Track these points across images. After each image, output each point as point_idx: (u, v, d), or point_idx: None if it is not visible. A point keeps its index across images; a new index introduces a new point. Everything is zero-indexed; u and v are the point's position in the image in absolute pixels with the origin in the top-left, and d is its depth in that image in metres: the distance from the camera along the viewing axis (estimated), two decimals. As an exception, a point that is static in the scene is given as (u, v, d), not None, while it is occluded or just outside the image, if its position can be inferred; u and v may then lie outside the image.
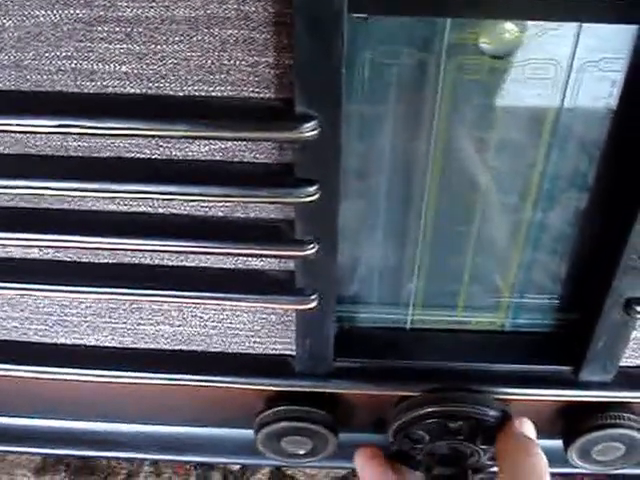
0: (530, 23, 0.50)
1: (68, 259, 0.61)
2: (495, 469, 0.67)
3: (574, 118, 0.54)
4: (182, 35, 0.47)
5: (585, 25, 0.49)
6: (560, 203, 0.59)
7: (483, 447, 0.66)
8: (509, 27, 0.50)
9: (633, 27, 0.49)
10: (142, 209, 0.57)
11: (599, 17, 0.48)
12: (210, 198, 0.54)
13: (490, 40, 0.50)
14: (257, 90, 0.50)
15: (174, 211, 0.57)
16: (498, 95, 0.53)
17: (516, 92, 0.53)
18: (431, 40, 0.50)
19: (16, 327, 0.67)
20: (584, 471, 0.71)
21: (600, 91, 0.52)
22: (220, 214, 0.57)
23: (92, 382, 0.67)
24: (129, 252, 0.60)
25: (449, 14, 0.49)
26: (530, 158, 0.56)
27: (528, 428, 0.64)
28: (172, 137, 0.52)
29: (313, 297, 0.59)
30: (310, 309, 0.60)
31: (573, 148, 0.55)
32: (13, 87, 0.51)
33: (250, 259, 0.60)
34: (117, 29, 0.47)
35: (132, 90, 0.50)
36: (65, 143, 0.54)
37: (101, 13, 0.47)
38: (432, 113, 0.54)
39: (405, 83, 0.52)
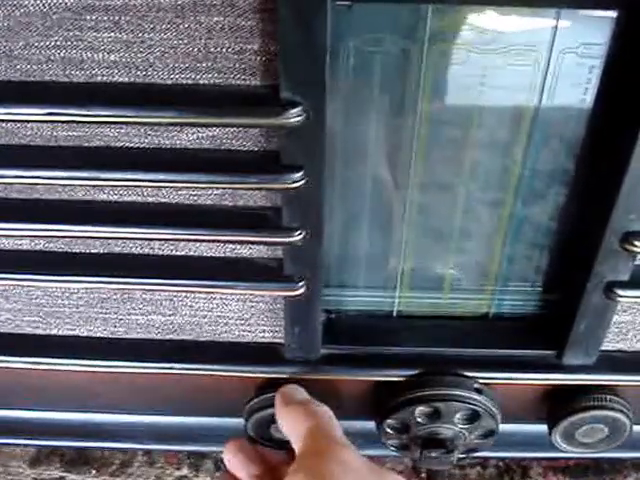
0: (510, 10, 0.50)
1: (59, 249, 0.62)
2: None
3: (554, 103, 0.55)
4: (169, 23, 0.48)
5: (564, 11, 0.50)
6: (542, 190, 0.60)
7: (468, 428, 0.67)
8: (490, 14, 0.51)
9: (611, 13, 0.50)
10: (132, 198, 0.58)
11: (578, 3, 0.49)
12: (198, 185, 0.55)
13: (471, 27, 0.51)
14: (243, 77, 0.50)
15: (164, 200, 0.58)
16: (480, 81, 0.54)
17: (497, 78, 0.53)
18: (414, 27, 0.51)
19: (9, 319, 0.68)
20: (569, 455, 0.72)
21: (579, 77, 0.53)
22: (209, 202, 0.58)
23: (85, 372, 0.68)
24: (120, 242, 0.61)
25: (431, 1, 0.50)
26: (512, 145, 0.57)
27: (295, 391, 0.63)
28: (160, 124, 0.53)
29: (301, 284, 0.60)
30: (298, 295, 0.60)
31: (554, 135, 0.56)
32: (3, 77, 0.51)
33: (239, 247, 0.60)
34: (105, 18, 0.48)
35: (121, 79, 0.51)
36: (55, 133, 0.54)
37: (89, 2, 0.47)
38: (415, 99, 0.54)
39: (389, 70, 0.53)
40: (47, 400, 0.77)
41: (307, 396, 0.62)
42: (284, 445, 0.63)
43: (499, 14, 0.51)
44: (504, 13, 0.51)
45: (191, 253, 0.61)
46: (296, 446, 0.56)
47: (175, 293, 0.64)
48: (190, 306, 0.65)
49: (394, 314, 0.69)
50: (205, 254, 0.61)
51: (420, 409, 0.66)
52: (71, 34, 0.49)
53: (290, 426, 0.58)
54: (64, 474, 0.81)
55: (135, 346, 0.68)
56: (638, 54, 0.50)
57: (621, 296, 0.59)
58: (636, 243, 0.56)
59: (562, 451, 0.71)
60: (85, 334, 0.68)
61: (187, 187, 0.56)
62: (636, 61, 0.50)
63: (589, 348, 0.64)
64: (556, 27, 0.51)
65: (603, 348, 0.65)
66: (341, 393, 0.70)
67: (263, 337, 0.67)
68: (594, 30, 0.51)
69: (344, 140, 0.57)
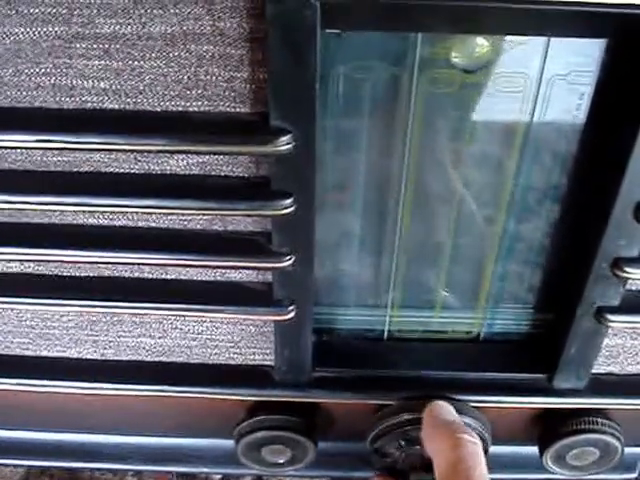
0: (500, 37, 0.51)
1: (49, 273, 0.62)
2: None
3: (544, 130, 0.55)
4: (159, 51, 0.48)
5: (554, 39, 0.50)
6: (533, 214, 0.60)
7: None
8: (480, 41, 0.51)
9: (600, 41, 0.50)
10: (122, 223, 0.58)
11: (567, 31, 0.50)
12: (188, 211, 0.55)
13: (461, 54, 0.51)
14: (233, 105, 0.50)
15: (153, 225, 0.58)
16: (470, 108, 0.54)
17: (487, 105, 0.54)
18: (403, 55, 0.51)
19: (-1, 340, 0.68)
20: (560, 477, 0.72)
21: (569, 103, 0.53)
22: (199, 227, 0.58)
23: (75, 394, 0.68)
24: (110, 265, 0.61)
25: (420, 29, 0.50)
26: (502, 169, 0.57)
27: (444, 410, 0.63)
28: (150, 152, 0.52)
29: (290, 308, 0.60)
30: (288, 320, 0.60)
31: (544, 159, 0.56)
32: (-7, 103, 0.51)
33: (228, 271, 0.60)
34: (95, 46, 0.48)
35: (111, 105, 0.51)
36: (45, 158, 0.54)
37: (79, 30, 0.47)
38: (405, 126, 0.54)
39: (379, 97, 0.53)
40: (37, 420, 0.76)
41: (455, 416, 0.62)
42: None
43: (488, 41, 0.51)
44: (493, 40, 0.51)
45: (181, 277, 0.61)
46: (437, 471, 0.57)
47: (165, 316, 0.64)
48: (180, 329, 0.65)
49: (385, 335, 0.68)
50: (195, 278, 0.61)
51: (410, 432, 0.65)
52: (61, 61, 0.49)
53: (433, 451, 0.59)
54: (54, 495, 0.81)
55: (125, 368, 0.68)
56: (628, 80, 0.50)
57: (612, 321, 0.59)
58: (626, 269, 0.56)
59: (553, 473, 0.71)
60: (75, 356, 0.68)
61: (177, 213, 0.56)
62: (626, 87, 0.51)
63: (580, 371, 0.64)
64: (546, 54, 0.51)
65: (594, 371, 0.65)
66: (332, 415, 0.70)
67: (253, 360, 0.67)
68: (584, 57, 0.51)
69: (335, 166, 0.57)
